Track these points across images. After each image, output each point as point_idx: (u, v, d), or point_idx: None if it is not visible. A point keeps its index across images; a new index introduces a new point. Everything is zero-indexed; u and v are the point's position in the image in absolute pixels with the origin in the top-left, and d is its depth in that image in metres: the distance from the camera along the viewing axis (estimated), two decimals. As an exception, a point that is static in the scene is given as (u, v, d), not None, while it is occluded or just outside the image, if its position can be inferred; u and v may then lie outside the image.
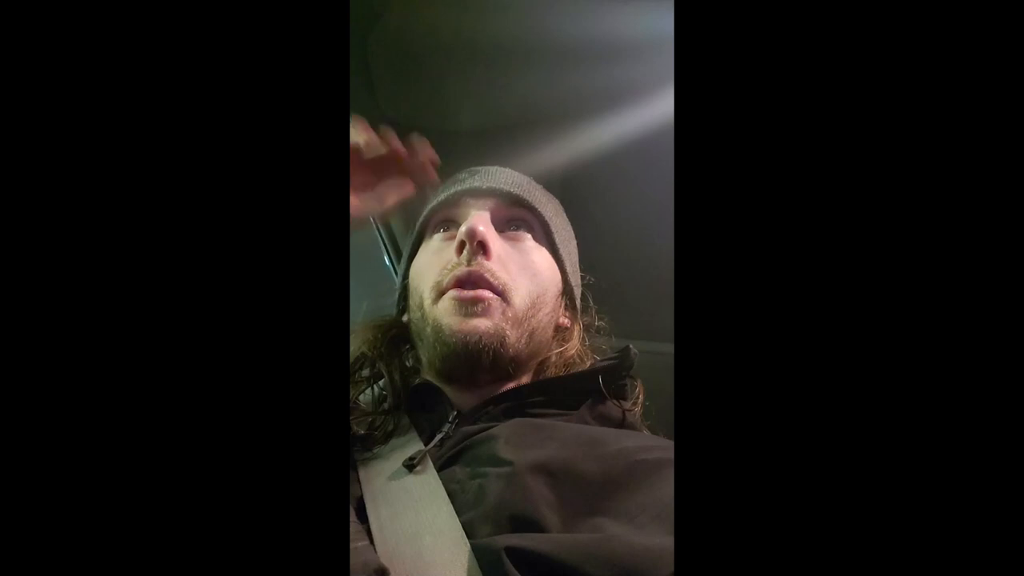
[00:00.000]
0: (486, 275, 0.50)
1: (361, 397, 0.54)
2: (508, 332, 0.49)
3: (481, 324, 0.49)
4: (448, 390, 0.52)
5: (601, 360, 0.55)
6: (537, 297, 0.53)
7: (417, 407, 0.52)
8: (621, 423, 0.51)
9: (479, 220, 0.51)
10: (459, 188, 0.56)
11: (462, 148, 0.81)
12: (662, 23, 0.58)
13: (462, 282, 0.50)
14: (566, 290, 0.58)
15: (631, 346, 0.53)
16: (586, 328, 0.60)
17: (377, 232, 0.92)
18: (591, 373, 0.52)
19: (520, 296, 0.51)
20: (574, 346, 0.56)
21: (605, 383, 0.51)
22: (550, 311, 0.55)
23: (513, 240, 0.55)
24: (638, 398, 0.54)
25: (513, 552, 0.32)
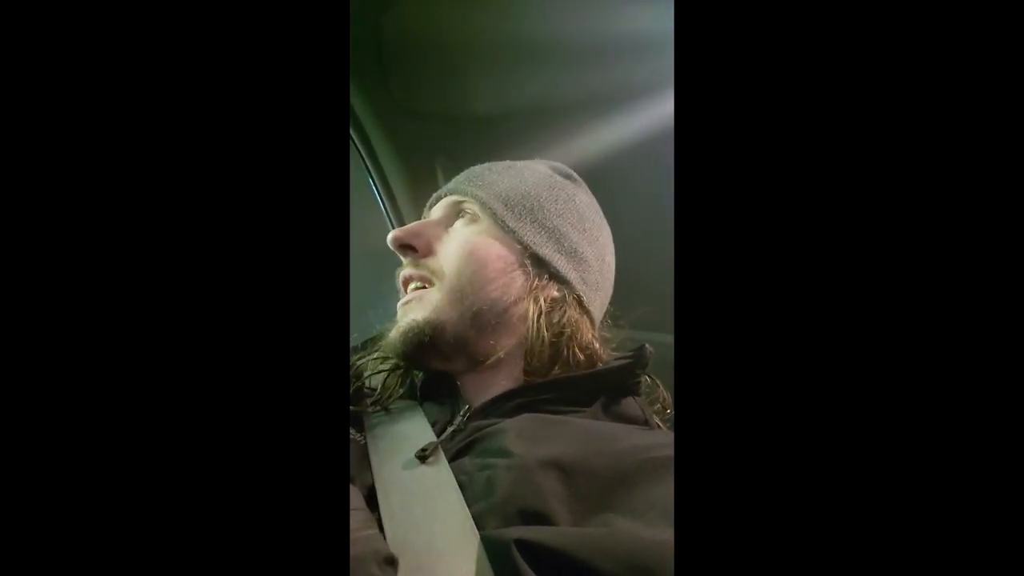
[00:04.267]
0: (414, 271, 0.55)
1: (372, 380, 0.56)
2: (445, 315, 0.52)
3: (411, 313, 0.52)
4: (458, 382, 0.53)
5: (615, 359, 0.53)
6: (473, 274, 0.53)
7: (428, 398, 0.52)
8: (636, 420, 0.50)
9: (400, 228, 0.56)
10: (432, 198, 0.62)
11: (471, 135, 0.82)
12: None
13: (403, 283, 0.56)
14: (534, 261, 0.55)
15: (646, 345, 0.52)
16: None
17: (388, 219, 0.92)
18: (605, 372, 0.52)
19: (450, 278, 0.53)
20: (534, 309, 0.53)
21: (619, 382, 0.51)
22: (500, 285, 0.53)
23: (460, 228, 0.57)
24: (663, 398, 0.54)
25: (523, 544, 0.32)
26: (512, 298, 0.53)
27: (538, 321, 0.53)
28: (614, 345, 0.57)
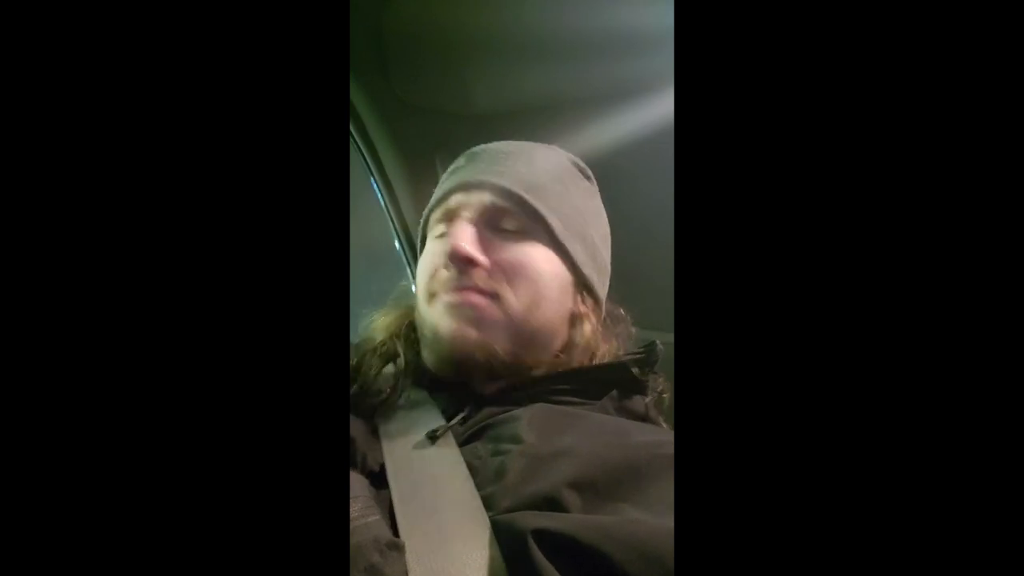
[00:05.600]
0: (480, 284, 0.49)
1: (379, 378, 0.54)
2: (502, 340, 0.49)
3: (472, 332, 0.48)
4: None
5: (627, 354, 0.54)
6: (534, 296, 0.50)
7: (438, 388, 0.52)
8: (641, 418, 0.51)
9: (461, 235, 0.50)
10: (453, 182, 0.54)
11: (472, 131, 0.81)
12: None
13: (453, 288, 0.50)
14: (579, 280, 0.54)
15: (657, 341, 0.52)
16: (608, 314, 0.58)
17: (388, 217, 0.92)
18: (616, 366, 0.52)
19: (514, 299, 0.50)
20: (590, 330, 0.53)
21: (629, 377, 0.51)
22: (556, 307, 0.52)
23: (508, 238, 0.52)
24: (662, 392, 0.53)
25: (539, 534, 0.32)
26: (560, 318, 0.53)
27: (587, 337, 0.53)
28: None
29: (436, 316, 0.50)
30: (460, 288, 0.49)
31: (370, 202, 0.90)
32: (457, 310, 0.49)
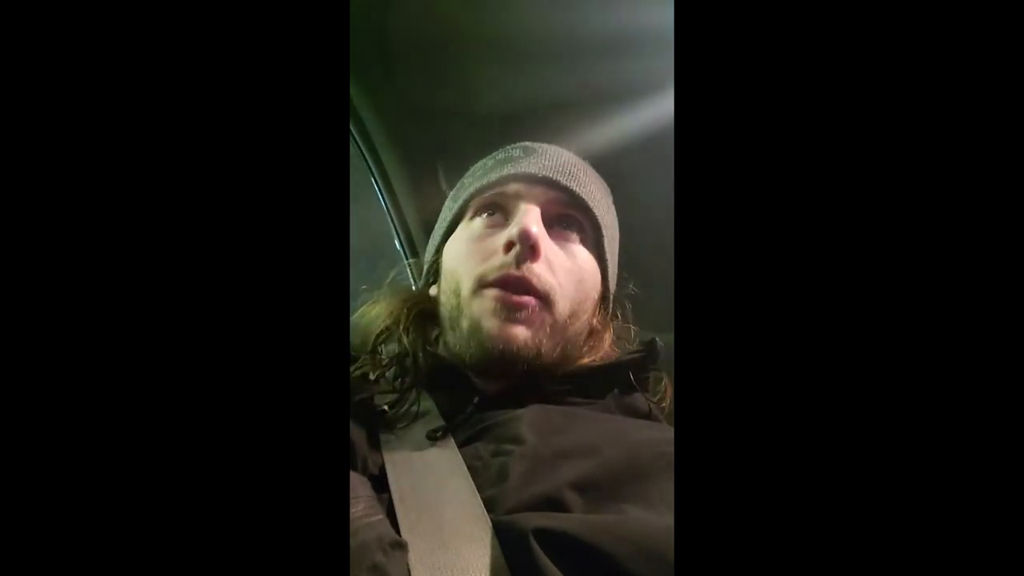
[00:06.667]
0: (533, 280, 0.48)
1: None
2: (545, 342, 0.48)
3: (521, 333, 0.47)
4: (474, 377, 0.51)
5: (628, 353, 0.54)
6: (578, 304, 0.51)
7: (439, 386, 0.51)
8: (647, 415, 0.51)
9: (532, 219, 0.48)
10: (510, 170, 0.52)
11: (473, 132, 0.82)
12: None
13: (508, 283, 0.48)
14: (604, 295, 0.55)
15: (657, 339, 0.53)
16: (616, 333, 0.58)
17: (389, 217, 0.92)
18: (618, 366, 0.52)
19: (563, 303, 0.49)
20: (603, 351, 0.54)
21: (630, 375, 0.51)
22: (587, 318, 0.53)
23: (562, 240, 0.52)
24: (665, 391, 0.53)
25: (540, 533, 0.32)
26: (585, 328, 0.53)
27: (603, 352, 0.54)
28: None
29: (482, 309, 0.48)
30: (517, 277, 0.47)
31: (370, 202, 0.90)
32: (508, 307, 0.47)
